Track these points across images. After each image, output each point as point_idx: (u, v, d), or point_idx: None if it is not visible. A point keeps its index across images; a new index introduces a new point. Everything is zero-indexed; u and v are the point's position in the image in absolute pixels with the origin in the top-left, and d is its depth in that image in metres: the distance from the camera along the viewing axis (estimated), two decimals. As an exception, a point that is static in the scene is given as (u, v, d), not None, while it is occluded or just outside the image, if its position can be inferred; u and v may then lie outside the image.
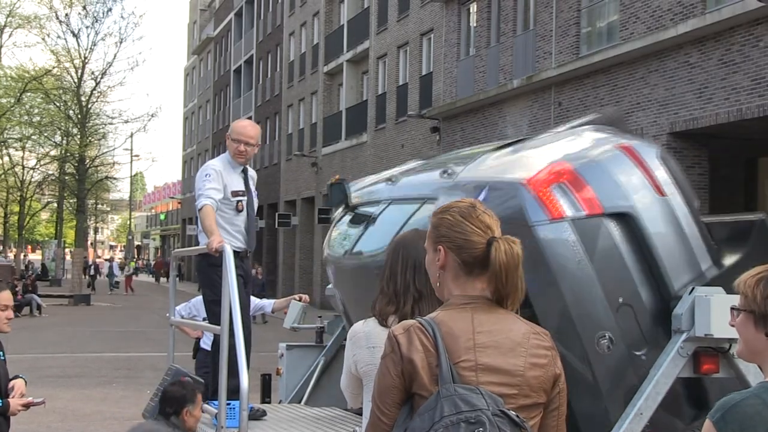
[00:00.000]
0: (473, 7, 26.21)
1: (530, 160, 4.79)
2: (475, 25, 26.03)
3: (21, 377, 5.17)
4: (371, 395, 2.60)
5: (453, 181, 5.08)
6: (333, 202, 6.87)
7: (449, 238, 2.55)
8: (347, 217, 6.44)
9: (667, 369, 4.33)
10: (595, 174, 4.54)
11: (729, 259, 4.65)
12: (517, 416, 2.33)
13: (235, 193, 6.28)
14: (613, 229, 4.47)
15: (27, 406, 5.09)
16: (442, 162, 5.90)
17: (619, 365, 4.41)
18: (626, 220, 4.49)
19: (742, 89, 15.23)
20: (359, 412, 3.43)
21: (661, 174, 4.65)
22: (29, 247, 60.78)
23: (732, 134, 16.67)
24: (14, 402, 4.99)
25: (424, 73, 29.73)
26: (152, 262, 78.30)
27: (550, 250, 4.35)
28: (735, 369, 4.45)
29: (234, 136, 6.30)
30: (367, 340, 3.27)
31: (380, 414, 2.47)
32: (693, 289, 4.42)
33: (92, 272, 52.15)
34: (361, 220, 6.10)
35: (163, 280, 69.61)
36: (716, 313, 4.24)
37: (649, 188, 4.59)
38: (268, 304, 7.92)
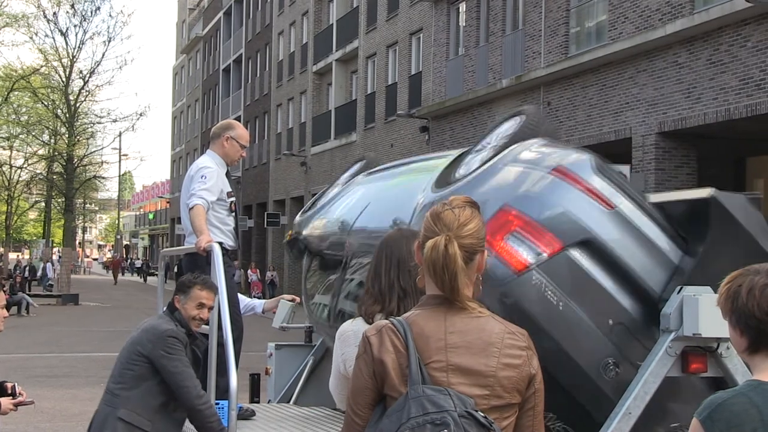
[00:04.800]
0: (462, 7, 26.23)
1: None
2: (464, 24, 26.05)
3: (6, 382, 5.16)
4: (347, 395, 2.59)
5: None
6: (294, 256, 7.28)
7: (421, 236, 2.55)
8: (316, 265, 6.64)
9: (656, 368, 4.33)
10: (542, 210, 4.43)
11: (697, 245, 4.59)
12: (485, 417, 2.31)
13: (229, 194, 6.32)
14: (579, 257, 4.42)
15: (16, 405, 5.07)
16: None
17: (630, 382, 4.39)
18: (588, 243, 4.44)
19: (730, 89, 15.28)
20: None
21: (602, 185, 4.56)
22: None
23: (720, 134, 16.73)
24: (5, 401, 4.97)
25: (413, 72, 29.74)
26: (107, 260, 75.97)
27: (527, 303, 4.29)
28: (723, 368, 4.46)
29: (243, 142, 6.44)
30: (356, 338, 3.25)
31: (353, 414, 2.47)
32: (681, 288, 4.42)
33: (26, 274, 43.96)
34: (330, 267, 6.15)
35: (121, 278, 67.29)
36: (704, 313, 4.25)
37: (596, 205, 4.50)
38: (258, 304, 7.90)
